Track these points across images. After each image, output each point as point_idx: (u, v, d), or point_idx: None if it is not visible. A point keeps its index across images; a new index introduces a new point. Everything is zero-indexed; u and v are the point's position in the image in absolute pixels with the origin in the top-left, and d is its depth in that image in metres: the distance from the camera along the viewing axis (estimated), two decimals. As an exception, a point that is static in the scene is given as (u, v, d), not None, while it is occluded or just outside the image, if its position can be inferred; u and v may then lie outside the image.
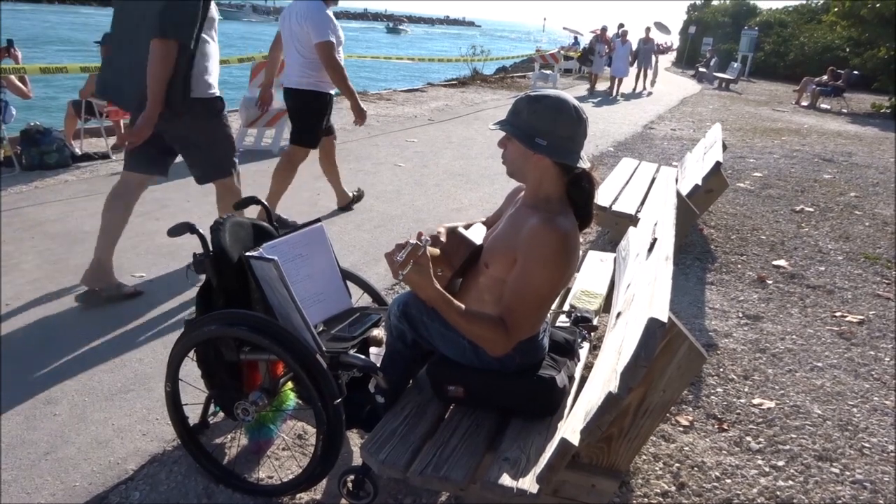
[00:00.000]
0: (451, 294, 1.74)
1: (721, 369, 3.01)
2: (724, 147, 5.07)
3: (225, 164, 3.34)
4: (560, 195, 1.79)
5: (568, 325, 2.35)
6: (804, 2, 30.69)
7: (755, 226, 5.29)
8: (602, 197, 4.46)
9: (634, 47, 16.68)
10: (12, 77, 5.56)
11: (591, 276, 2.92)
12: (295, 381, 2.14)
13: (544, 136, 1.71)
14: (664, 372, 1.59)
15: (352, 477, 1.89)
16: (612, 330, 1.94)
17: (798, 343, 3.33)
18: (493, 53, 17.78)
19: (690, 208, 4.14)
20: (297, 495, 2.04)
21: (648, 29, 17.52)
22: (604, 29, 16.81)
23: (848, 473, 2.33)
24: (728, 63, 21.76)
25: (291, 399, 2.19)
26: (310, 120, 4.33)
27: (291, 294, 1.86)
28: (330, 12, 4.15)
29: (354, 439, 2.34)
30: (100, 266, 3.22)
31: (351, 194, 5.06)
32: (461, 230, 1.95)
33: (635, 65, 16.77)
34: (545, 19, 42.17)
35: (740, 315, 3.61)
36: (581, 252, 1.95)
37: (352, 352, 2.01)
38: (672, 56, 36.42)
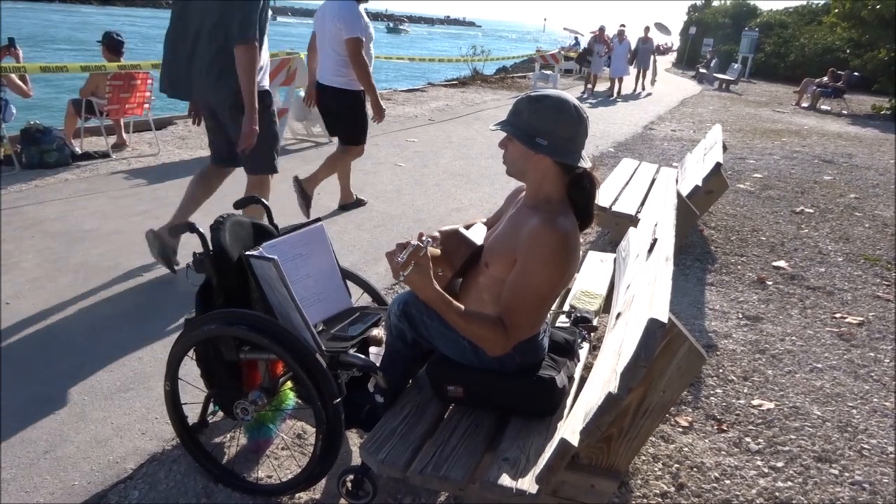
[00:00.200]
0: (451, 294, 1.74)
1: (721, 370, 3.01)
2: (725, 148, 5.07)
3: (266, 159, 3.43)
4: (561, 195, 1.79)
5: (568, 325, 2.35)
6: (804, 3, 30.72)
7: (755, 227, 5.29)
8: (602, 197, 4.46)
9: (633, 46, 16.65)
10: (13, 76, 5.56)
11: (591, 277, 2.92)
12: (294, 381, 2.14)
13: (545, 136, 1.71)
14: (664, 372, 1.59)
15: (351, 476, 1.89)
16: (612, 330, 1.94)
17: (798, 344, 3.33)
18: (494, 53, 17.78)
19: (691, 209, 4.15)
20: (297, 495, 2.04)
21: (647, 28, 17.50)
22: (601, 29, 16.76)
23: (847, 475, 2.33)
24: (728, 64, 21.78)
25: (291, 398, 2.19)
26: (355, 118, 4.48)
27: (291, 293, 1.86)
28: (362, 10, 4.32)
29: (354, 439, 2.34)
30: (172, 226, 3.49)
31: (355, 197, 5.07)
32: (462, 230, 1.95)
33: (634, 65, 16.74)
34: (545, 20, 42.29)
35: (740, 316, 3.61)
36: (581, 252, 1.95)
37: (351, 351, 2.01)
38: (672, 57, 36.44)
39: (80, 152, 5.98)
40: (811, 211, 5.91)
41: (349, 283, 2.41)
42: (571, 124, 1.72)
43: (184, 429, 2.09)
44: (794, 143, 9.99)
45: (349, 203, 5.03)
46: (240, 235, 2.10)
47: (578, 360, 2.15)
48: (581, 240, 1.83)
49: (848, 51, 22.01)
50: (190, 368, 2.13)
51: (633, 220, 4.03)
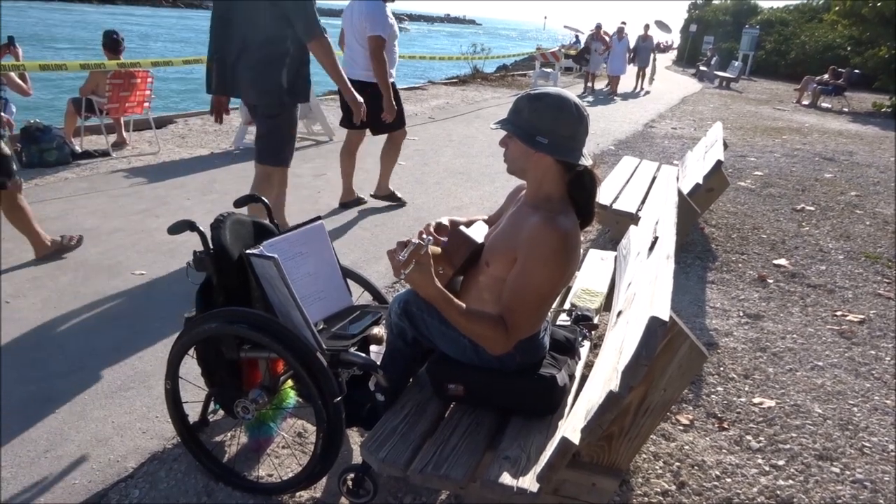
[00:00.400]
0: (451, 292, 1.74)
1: (721, 368, 3.01)
2: (725, 146, 5.06)
3: (275, 152, 3.57)
4: (561, 194, 1.79)
5: (568, 323, 2.35)
6: (805, 0, 30.66)
7: (756, 225, 5.29)
8: (603, 195, 4.46)
9: (633, 44, 16.60)
10: (12, 74, 5.55)
11: (591, 275, 2.91)
12: (295, 379, 2.14)
13: (545, 134, 1.70)
14: (665, 371, 1.59)
15: (352, 475, 1.89)
16: (613, 328, 1.93)
17: (799, 342, 3.33)
18: (494, 52, 17.76)
19: (691, 207, 4.14)
20: (297, 493, 2.04)
21: (647, 27, 17.44)
22: (598, 26, 16.70)
23: (848, 473, 2.33)
24: (729, 62, 21.75)
25: (291, 397, 2.18)
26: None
27: (292, 292, 1.86)
28: (388, 9, 4.51)
29: (354, 437, 2.34)
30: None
31: (356, 195, 5.08)
32: (463, 229, 1.94)
33: (634, 63, 16.69)
34: (546, 18, 42.23)
35: (741, 314, 3.61)
36: (582, 250, 1.95)
37: (352, 350, 2.01)
38: (673, 55, 36.40)
39: (79, 151, 5.98)
40: (812, 209, 5.90)
41: (350, 282, 2.40)
42: (572, 122, 1.71)
43: (184, 427, 2.09)
44: (795, 140, 9.98)
45: (350, 201, 5.02)
46: (240, 234, 2.10)
47: (579, 359, 2.14)
48: (581, 238, 1.83)
49: (848, 48, 21.98)
50: (190, 367, 2.13)
51: (633, 218, 4.03)
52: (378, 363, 2.01)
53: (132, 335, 2.95)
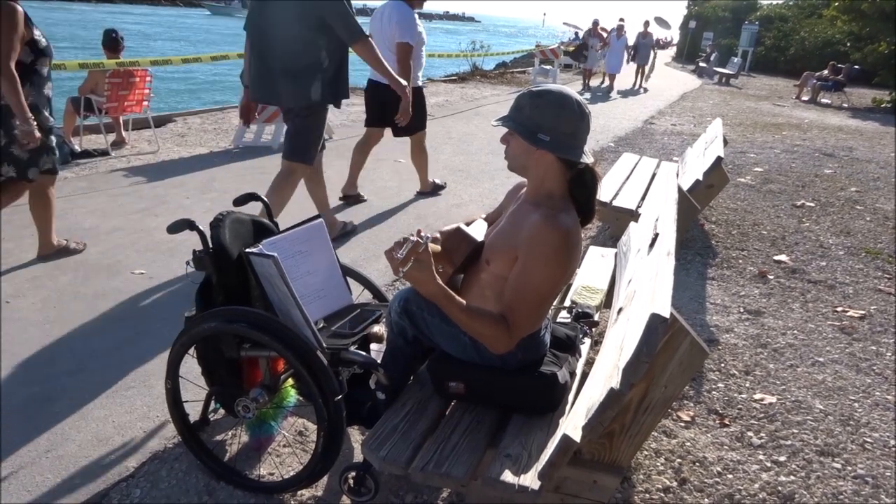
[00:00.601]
0: (452, 290, 1.74)
1: (722, 364, 3.01)
2: (725, 142, 5.06)
3: (303, 149, 3.74)
4: (562, 191, 1.79)
5: (569, 320, 2.35)
6: (804, -4, 30.61)
7: (756, 221, 5.28)
8: (603, 192, 4.41)
9: (633, 42, 16.55)
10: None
11: (592, 272, 2.91)
12: (295, 378, 2.13)
13: (547, 131, 1.70)
14: (666, 368, 1.59)
15: (353, 473, 1.89)
16: (614, 326, 1.93)
17: (799, 338, 3.33)
18: (493, 49, 17.73)
19: (691, 203, 4.14)
20: (299, 492, 2.04)
21: (647, 23, 17.38)
22: (595, 23, 16.64)
23: (850, 468, 2.33)
24: (728, 58, 21.73)
25: (292, 396, 2.18)
26: (416, 110, 4.68)
27: (291, 290, 1.86)
28: (415, 14, 4.70)
29: (355, 436, 2.34)
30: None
31: (358, 192, 5.13)
32: (463, 227, 1.94)
33: (633, 59, 16.63)
34: (545, 14, 42.15)
35: (741, 310, 3.61)
36: (582, 247, 1.94)
37: (352, 348, 2.01)
38: (672, 51, 36.34)
39: (79, 150, 5.97)
40: (812, 205, 5.90)
41: (350, 280, 2.40)
42: (573, 120, 1.71)
43: (185, 427, 2.09)
44: (795, 136, 9.97)
45: (351, 195, 5.07)
46: (239, 233, 2.09)
47: (580, 356, 2.14)
48: (582, 235, 1.82)
49: (848, 44, 21.96)
50: (191, 366, 2.12)
51: (633, 215, 4.02)
52: (378, 361, 2.01)
53: (132, 334, 2.95)
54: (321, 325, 2.17)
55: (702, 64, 22.68)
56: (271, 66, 3.53)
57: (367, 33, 3.56)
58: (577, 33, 24.37)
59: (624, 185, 4.81)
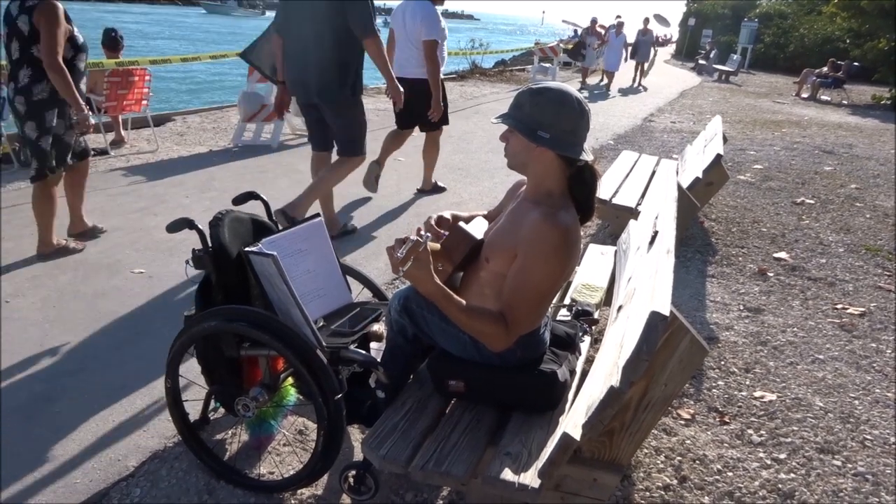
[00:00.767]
0: (451, 288, 1.73)
1: (722, 362, 3.01)
2: (725, 139, 5.05)
3: (358, 144, 3.96)
4: (562, 189, 1.78)
5: (569, 318, 2.34)
6: (803, -7, 30.57)
7: (756, 218, 5.28)
8: (602, 190, 4.45)
9: (631, 40, 16.51)
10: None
11: (591, 270, 2.91)
12: (295, 377, 2.13)
13: (547, 129, 1.70)
14: (666, 365, 1.58)
15: (353, 472, 1.89)
16: (614, 324, 1.93)
17: (799, 335, 3.32)
18: (492, 47, 17.71)
19: (691, 201, 4.13)
20: (299, 491, 2.04)
21: (647, 20, 17.35)
22: (593, 21, 16.59)
23: (850, 466, 2.33)
24: (728, 55, 21.70)
25: (292, 395, 2.18)
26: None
27: (291, 289, 1.85)
28: (439, 11, 4.77)
29: (355, 434, 2.34)
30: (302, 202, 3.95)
31: (379, 172, 5.14)
32: (462, 225, 1.93)
33: (632, 57, 16.60)
34: (544, 13, 42.12)
35: (741, 308, 3.61)
36: (582, 245, 1.94)
37: (352, 347, 2.01)
38: (671, 48, 36.31)
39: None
40: (812, 202, 5.90)
41: (349, 279, 2.40)
42: (573, 117, 1.70)
43: (185, 426, 2.09)
44: (795, 133, 9.96)
45: (378, 174, 5.05)
46: (239, 232, 2.09)
47: (580, 354, 2.14)
48: (581, 232, 1.82)
49: (848, 41, 21.93)
50: (191, 365, 2.12)
51: (633, 213, 4.02)
52: (378, 360, 2.00)
53: (132, 334, 2.95)
54: (321, 323, 2.17)
55: (701, 61, 22.66)
56: (305, 65, 3.69)
57: (377, 33, 3.68)
58: (576, 31, 24.35)
59: (623, 182, 4.80)
